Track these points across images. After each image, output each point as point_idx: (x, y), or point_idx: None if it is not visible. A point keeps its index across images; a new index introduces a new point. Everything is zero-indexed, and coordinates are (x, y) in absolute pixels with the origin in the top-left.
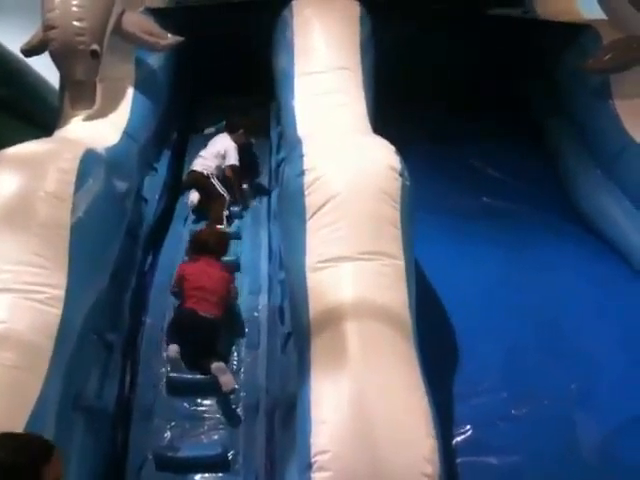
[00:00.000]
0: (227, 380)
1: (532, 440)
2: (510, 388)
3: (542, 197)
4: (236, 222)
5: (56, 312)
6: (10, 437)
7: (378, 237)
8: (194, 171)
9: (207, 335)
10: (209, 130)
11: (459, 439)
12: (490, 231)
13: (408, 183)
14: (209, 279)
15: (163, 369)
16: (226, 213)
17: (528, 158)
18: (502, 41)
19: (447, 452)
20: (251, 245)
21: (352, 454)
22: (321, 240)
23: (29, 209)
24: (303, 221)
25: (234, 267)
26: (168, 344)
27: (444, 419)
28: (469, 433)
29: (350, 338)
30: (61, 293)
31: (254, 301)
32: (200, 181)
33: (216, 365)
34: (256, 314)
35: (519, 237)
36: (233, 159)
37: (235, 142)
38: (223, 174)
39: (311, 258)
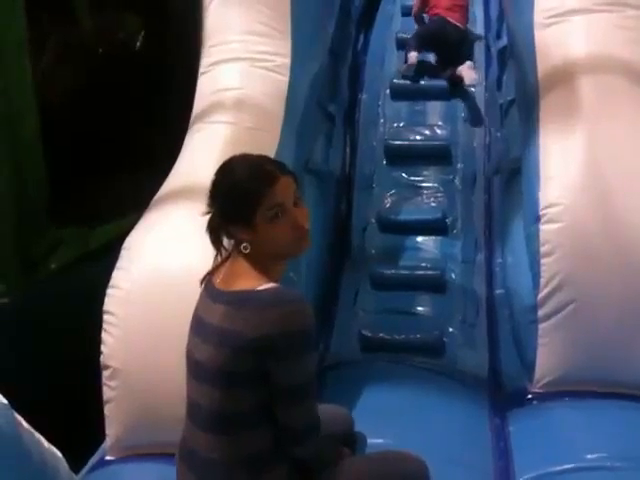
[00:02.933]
0: (472, 75)
1: None
2: None
3: None
4: None
5: (284, 79)
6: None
7: None
8: None
9: (455, 43)
10: None
11: None
12: None
13: None
14: None
15: (381, 142)
16: None
17: None
18: None
19: None
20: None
21: (584, 208)
22: None
23: None
24: None
25: None
26: (408, 52)
27: None
28: None
29: (583, 93)
30: (287, 61)
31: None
32: None
33: (468, 63)
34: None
35: None
36: None
37: None
38: None
39: (540, 13)
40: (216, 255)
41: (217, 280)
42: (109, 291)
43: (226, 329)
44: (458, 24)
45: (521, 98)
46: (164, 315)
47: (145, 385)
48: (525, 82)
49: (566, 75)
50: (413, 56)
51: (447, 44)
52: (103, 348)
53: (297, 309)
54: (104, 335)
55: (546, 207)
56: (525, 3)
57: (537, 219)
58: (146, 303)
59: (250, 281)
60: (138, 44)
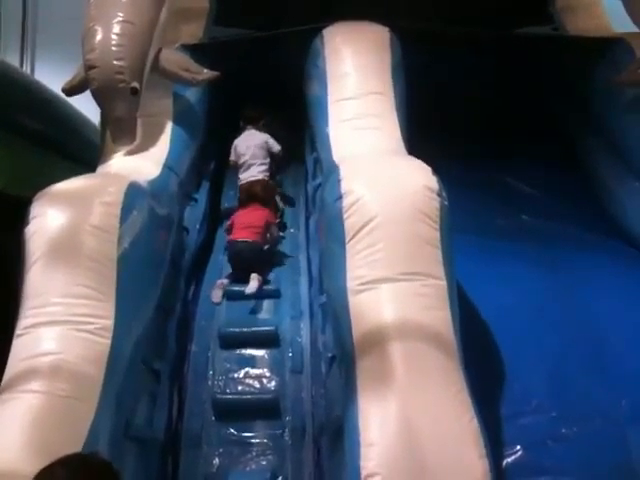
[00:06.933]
0: (252, 285)
1: (584, 459)
2: (558, 407)
3: (577, 213)
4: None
5: (106, 342)
6: (76, 457)
7: (418, 257)
8: (256, 181)
9: (248, 256)
10: None
11: (509, 460)
12: (526, 249)
13: (446, 203)
14: (251, 217)
15: (209, 396)
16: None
17: (562, 175)
18: (532, 59)
19: (498, 474)
20: (291, 271)
21: (402, 477)
22: (361, 262)
23: (77, 242)
24: (342, 244)
25: (275, 292)
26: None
27: (493, 440)
28: (519, 454)
29: (395, 359)
30: (110, 323)
31: (296, 326)
32: (259, 186)
33: (254, 275)
34: (299, 339)
35: (556, 255)
36: (276, 146)
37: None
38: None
39: (352, 281)
40: None
41: None
42: None
43: None
44: (246, 240)
45: (340, 358)
46: None
47: None
48: (343, 343)
49: (379, 340)
50: (217, 295)
51: (244, 262)
52: None
53: None
54: None
55: (366, 477)
56: (339, 268)
57: None
58: None
59: None
60: None
